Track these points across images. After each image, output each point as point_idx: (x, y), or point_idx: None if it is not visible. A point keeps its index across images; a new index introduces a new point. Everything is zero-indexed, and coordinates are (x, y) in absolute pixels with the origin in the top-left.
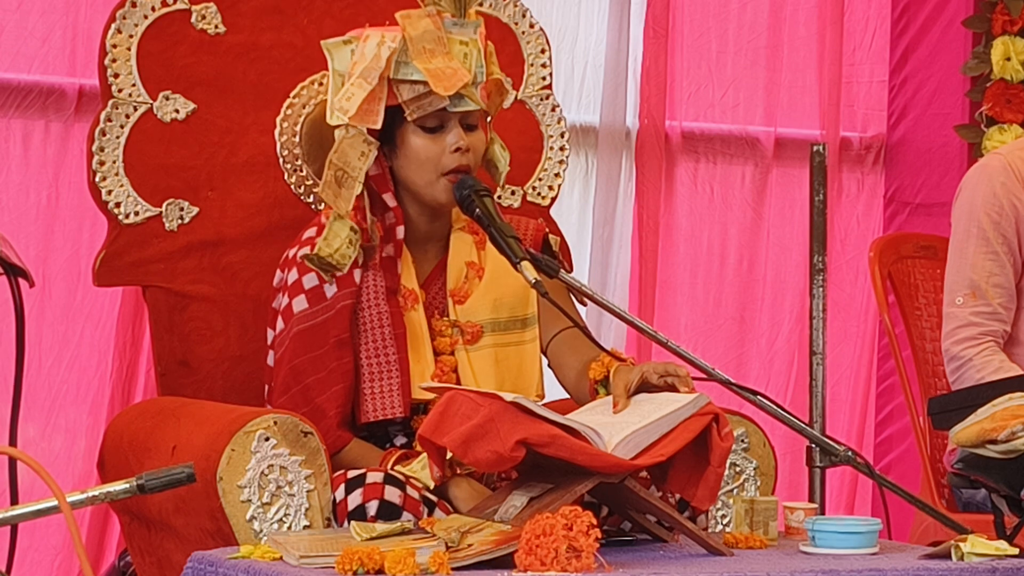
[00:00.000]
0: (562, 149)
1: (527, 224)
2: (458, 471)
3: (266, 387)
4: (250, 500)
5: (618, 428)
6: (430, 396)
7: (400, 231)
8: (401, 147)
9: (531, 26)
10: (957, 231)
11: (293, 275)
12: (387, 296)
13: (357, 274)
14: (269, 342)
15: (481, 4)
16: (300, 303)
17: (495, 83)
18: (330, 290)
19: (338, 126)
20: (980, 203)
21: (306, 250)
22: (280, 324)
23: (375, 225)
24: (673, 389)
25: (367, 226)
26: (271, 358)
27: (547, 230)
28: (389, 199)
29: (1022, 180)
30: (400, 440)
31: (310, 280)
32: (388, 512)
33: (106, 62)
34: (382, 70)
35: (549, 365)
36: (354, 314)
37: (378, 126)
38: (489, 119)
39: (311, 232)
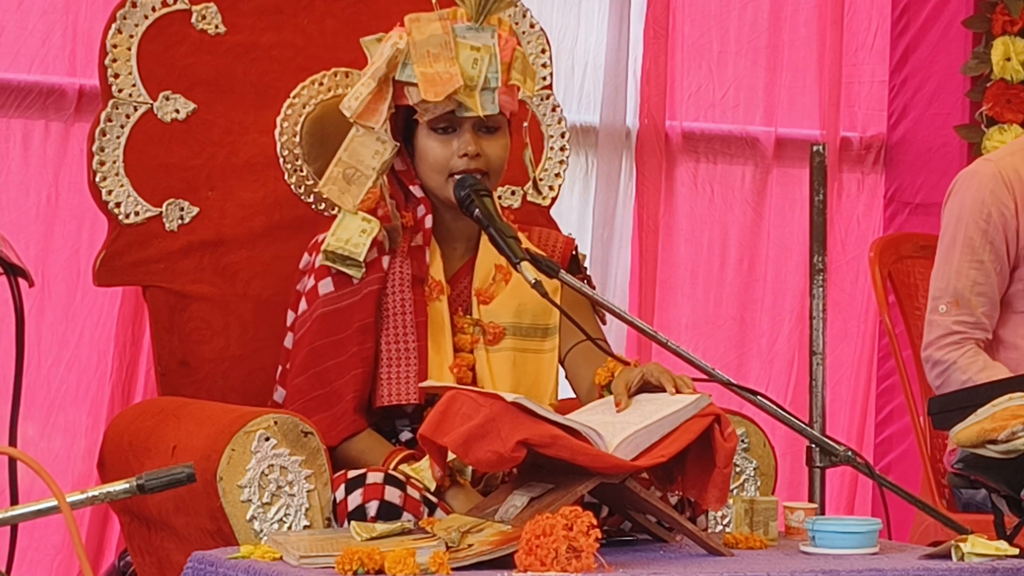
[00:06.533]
0: (562, 149)
1: (556, 238)
2: (459, 480)
3: (279, 368)
4: (250, 500)
5: (619, 428)
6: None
7: (429, 220)
8: (417, 148)
9: (531, 26)
10: (944, 237)
11: (321, 258)
12: (412, 284)
13: (385, 260)
14: (289, 323)
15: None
16: (326, 285)
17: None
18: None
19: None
20: (968, 211)
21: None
22: (303, 305)
23: (397, 211)
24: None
25: (388, 211)
26: (289, 340)
27: (576, 245)
28: (416, 190)
29: (1011, 188)
30: (406, 435)
31: None
32: (388, 512)
33: (106, 62)
34: (384, 72)
35: (566, 376)
36: (379, 300)
37: (379, 125)
38: (525, 124)
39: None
